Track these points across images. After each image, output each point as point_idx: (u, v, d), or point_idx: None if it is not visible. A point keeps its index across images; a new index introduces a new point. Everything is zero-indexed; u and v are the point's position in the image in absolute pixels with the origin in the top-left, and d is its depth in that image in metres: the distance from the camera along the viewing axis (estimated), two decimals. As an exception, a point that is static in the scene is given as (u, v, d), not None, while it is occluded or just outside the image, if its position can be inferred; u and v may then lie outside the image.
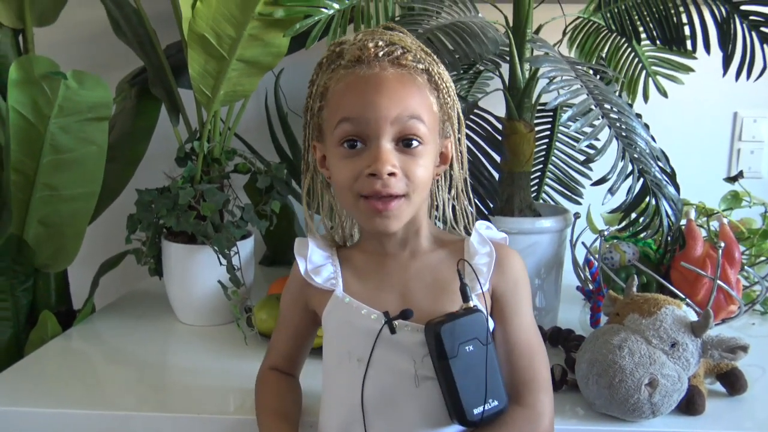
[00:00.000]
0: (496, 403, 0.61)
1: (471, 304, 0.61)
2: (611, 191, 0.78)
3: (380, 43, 0.63)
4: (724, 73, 0.97)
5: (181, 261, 1.03)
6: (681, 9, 0.99)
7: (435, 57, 0.66)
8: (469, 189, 0.70)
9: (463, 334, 0.59)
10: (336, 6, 0.92)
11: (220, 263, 0.98)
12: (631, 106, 0.97)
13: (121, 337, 1.02)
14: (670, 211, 0.82)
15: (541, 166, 1.28)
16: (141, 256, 1.08)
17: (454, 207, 0.71)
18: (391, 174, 0.60)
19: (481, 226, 0.69)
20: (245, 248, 1.06)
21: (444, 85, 0.65)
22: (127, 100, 1.19)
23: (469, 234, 0.69)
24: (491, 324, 0.65)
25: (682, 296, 0.90)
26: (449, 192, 0.71)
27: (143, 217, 1.02)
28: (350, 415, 0.63)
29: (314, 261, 0.68)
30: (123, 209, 1.11)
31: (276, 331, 0.75)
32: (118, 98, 1.19)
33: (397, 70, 0.62)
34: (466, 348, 0.59)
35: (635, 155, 0.80)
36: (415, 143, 0.62)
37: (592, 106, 0.80)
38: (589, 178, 1.26)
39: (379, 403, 0.62)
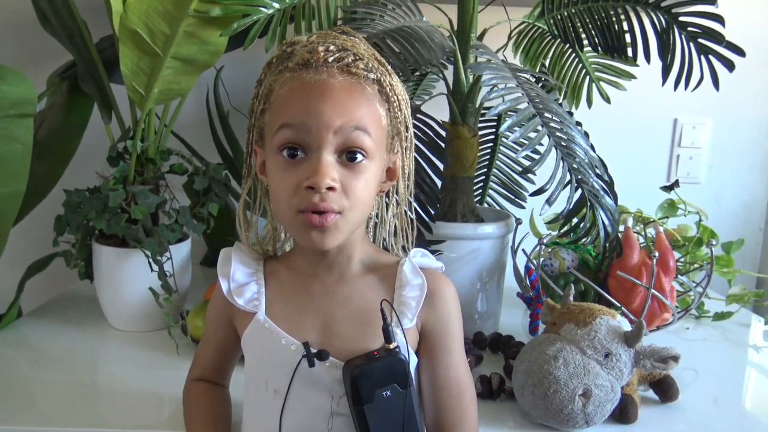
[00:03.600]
0: None
1: (393, 345, 0.58)
2: (549, 202, 0.78)
3: (331, 47, 0.59)
4: (663, 82, 0.98)
5: (113, 265, 0.99)
6: (622, 17, 1.00)
7: (389, 67, 0.63)
8: (412, 208, 0.68)
9: (381, 380, 0.57)
10: (276, 6, 0.89)
11: (152, 269, 0.94)
12: (571, 114, 0.97)
13: (49, 342, 0.97)
14: (607, 222, 0.82)
15: (485, 170, 1.28)
16: (70, 258, 1.03)
17: (395, 225, 0.68)
18: (330, 188, 0.56)
19: (416, 254, 0.66)
20: (181, 251, 1.02)
21: (395, 97, 0.62)
22: (57, 95, 1.14)
23: (406, 254, 0.67)
24: (415, 361, 0.63)
25: (618, 305, 0.91)
26: (388, 209, 0.68)
27: (71, 219, 0.97)
28: None
29: (237, 279, 0.65)
30: (53, 209, 1.05)
31: (202, 342, 0.72)
32: (47, 92, 1.14)
33: (345, 78, 0.58)
34: (383, 393, 0.56)
35: (574, 165, 0.80)
36: (359, 157, 0.58)
37: (533, 115, 0.80)
38: (533, 183, 1.27)
39: None
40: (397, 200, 0.68)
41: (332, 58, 0.59)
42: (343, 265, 0.64)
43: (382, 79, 0.61)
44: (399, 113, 0.63)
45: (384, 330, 0.58)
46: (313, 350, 0.58)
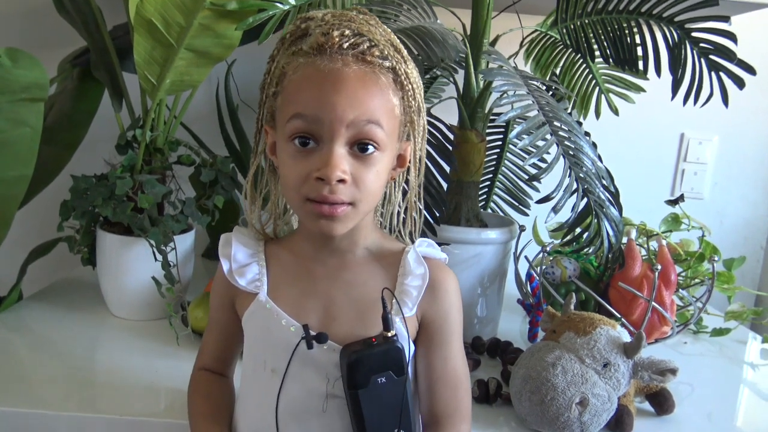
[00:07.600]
0: None
1: (391, 333, 0.58)
2: (555, 210, 0.78)
3: (347, 32, 0.58)
4: (673, 97, 0.98)
5: (116, 252, 0.99)
6: (635, 30, 1.00)
7: (404, 53, 0.62)
8: (422, 196, 0.68)
9: (376, 366, 0.57)
10: (292, 2, 0.90)
11: (156, 259, 0.95)
12: (580, 124, 0.97)
13: (49, 327, 0.98)
14: (611, 232, 0.82)
15: (491, 175, 1.28)
16: (74, 244, 1.03)
17: (404, 211, 0.68)
18: (341, 180, 0.57)
19: (421, 243, 0.66)
20: (185, 242, 1.02)
21: (410, 86, 0.61)
22: (68, 81, 1.14)
23: (413, 241, 0.67)
24: (412, 350, 0.63)
25: (618, 316, 0.91)
26: (399, 196, 0.68)
27: (77, 205, 0.97)
28: (263, 424, 0.62)
29: (239, 260, 0.65)
30: (59, 194, 1.06)
31: (206, 331, 0.73)
32: (58, 78, 1.14)
33: (360, 67, 0.58)
34: (378, 380, 0.57)
35: (581, 174, 0.81)
36: (370, 149, 0.58)
37: (542, 123, 0.80)
38: (538, 191, 1.28)
39: (290, 417, 0.61)
40: (405, 188, 0.67)
41: (347, 44, 0.57)
42: (347, 251, 0.65)
43: (397, 67, 0.60)
44: (413, 102, 0.62)
45: (383, 318, 0.58)
46: (313, 333, 0.59)
